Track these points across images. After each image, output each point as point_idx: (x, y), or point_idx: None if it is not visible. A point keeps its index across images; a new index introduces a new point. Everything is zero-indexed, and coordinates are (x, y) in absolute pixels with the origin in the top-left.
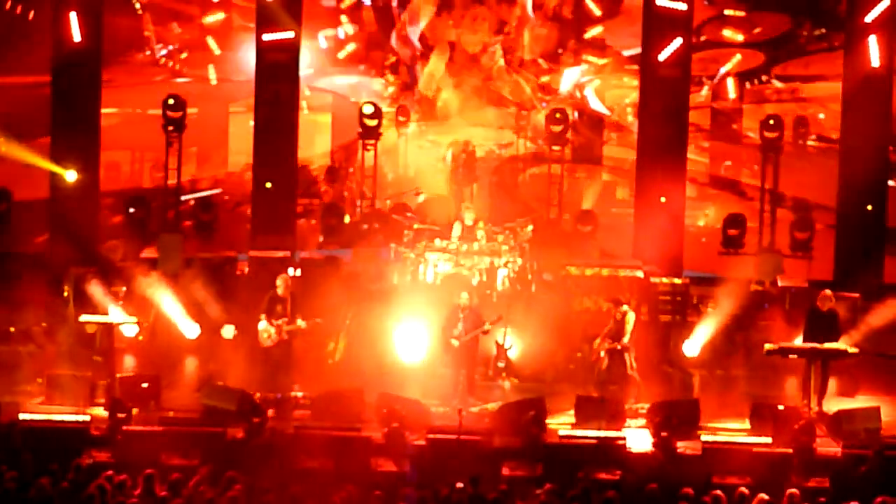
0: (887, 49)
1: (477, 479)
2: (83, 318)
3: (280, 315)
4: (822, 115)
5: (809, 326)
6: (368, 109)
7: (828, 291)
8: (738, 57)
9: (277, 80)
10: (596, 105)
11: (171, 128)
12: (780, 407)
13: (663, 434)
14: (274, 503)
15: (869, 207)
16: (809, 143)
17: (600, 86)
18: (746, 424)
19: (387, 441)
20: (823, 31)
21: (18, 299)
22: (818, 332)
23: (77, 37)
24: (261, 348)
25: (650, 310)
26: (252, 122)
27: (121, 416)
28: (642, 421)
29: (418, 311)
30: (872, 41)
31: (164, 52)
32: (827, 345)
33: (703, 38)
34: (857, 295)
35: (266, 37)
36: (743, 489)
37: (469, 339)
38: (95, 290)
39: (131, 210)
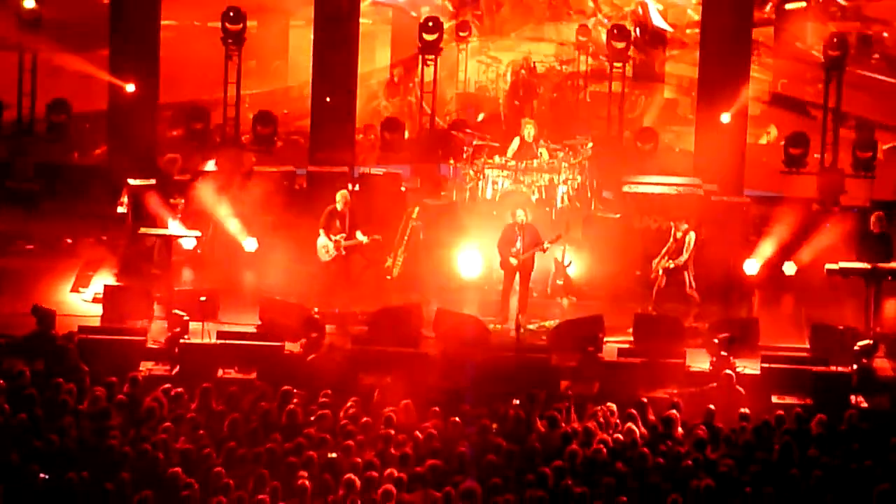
0: None
1: (534, 397)
2: (142, 230)
3: (339, 230)
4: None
5: (862, 247)
6: (429, 24)
7: (881, 213)
8: None
9: None
10: (658, 22)
11: (230, 41)
12: (840, 327)
13: (722, 353)
14: (330, 419)
15: None
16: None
17: (663, 2)
18: (806, 344)
19: (444, 358)
20: None
21: (77, 211)
22: (871, 253)
23: None
24: (319, 263)
25: (710, 228)
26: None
27: (178, 329)
28: (700, 340)
29: (477, 227)
30: None
31: None
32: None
33: None
34: None
35: None
36: (801, 410)
37: (527, 257)
38: (154, 202)
39: (191, 122)
